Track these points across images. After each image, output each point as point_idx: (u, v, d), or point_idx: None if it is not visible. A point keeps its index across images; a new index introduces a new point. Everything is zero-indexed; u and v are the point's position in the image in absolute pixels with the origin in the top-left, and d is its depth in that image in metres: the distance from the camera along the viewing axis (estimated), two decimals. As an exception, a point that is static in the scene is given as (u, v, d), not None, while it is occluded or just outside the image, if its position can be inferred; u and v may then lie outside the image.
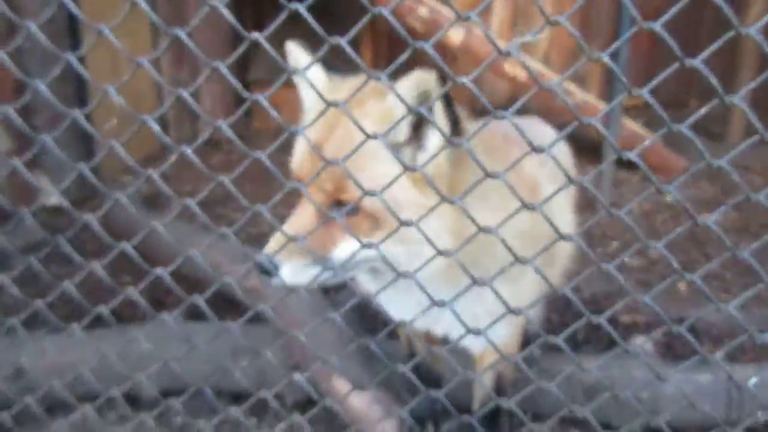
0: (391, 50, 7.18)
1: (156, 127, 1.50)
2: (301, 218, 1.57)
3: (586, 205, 4.78)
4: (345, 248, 1.56)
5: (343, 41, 1.25)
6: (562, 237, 1.30)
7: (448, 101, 1.44)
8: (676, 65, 1.22)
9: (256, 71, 6.54)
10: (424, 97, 1.44)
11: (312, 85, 1.41)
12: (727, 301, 1.46)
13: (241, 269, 2.55)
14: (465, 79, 1.25)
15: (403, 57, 1.27)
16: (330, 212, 1.56)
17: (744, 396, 2.20)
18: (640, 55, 7.22)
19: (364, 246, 1.45)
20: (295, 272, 1.54)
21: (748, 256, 1.34)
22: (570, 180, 1.31)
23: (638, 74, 7.41)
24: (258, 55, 6.93)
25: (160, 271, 1.69)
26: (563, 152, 2.56)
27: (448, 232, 1.51)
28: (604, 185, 4.67)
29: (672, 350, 2.85)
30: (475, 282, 1.39)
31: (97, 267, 1.80)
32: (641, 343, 2.62)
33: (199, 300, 1.66)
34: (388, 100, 1.50)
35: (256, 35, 1.36)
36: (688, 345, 2.83)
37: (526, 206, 1.30)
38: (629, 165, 5.49)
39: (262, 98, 1.40)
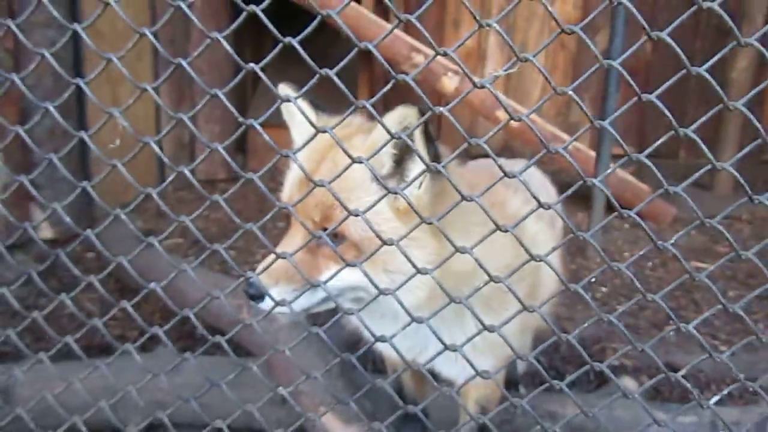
0: (386, 94, 7.31)
1: (156, 149, 1.54)
2: (289, 246, 1.61)
3: (576, 250, 4.82)
4: (329, 276, 1.58)
5: (331, 73, 1.30)
6: (533, 258, 1.33)
7: (428, 136, 1.48)
8: (670, 133, 1.27)
9: (255, 114, 6.65)
10: (406, 131, 1.48)
11: (302, 112, 1.48)
12: (716, 347, 1.48)
13: (233, 303, 2.56)
14: (442, 109, 1.29)
15: (386, 88, 1.32)
16: (317, 240, 1.59)
17: (729, 439, 2.20)
18: (632, 111, 7.37)
19: (348, 264, 1.47)
20: (281, 298, 1.57)
21: (739, 310, 1.37)
22: (571, 229, 1.34)
23: (628, 126, 7.57)
24: (256, 98, 7.05)
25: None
26: (551, 195, 2.62)
27: (430, 264, 1.53)
28: (596, 232, 4.71)
29: (660, 394, 2.85)
30: (453, 301, 1.41)
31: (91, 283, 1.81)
32: (627, 384, 2.62)
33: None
34: (372, 136, 1.55)
35: (252, 66, 1.41)
36: (675, 389, 2.83)
37: (499, 228, 1.32)
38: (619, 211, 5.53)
39: (256, 124, 1.44)
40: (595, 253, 4.74)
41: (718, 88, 1.17)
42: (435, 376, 1.96)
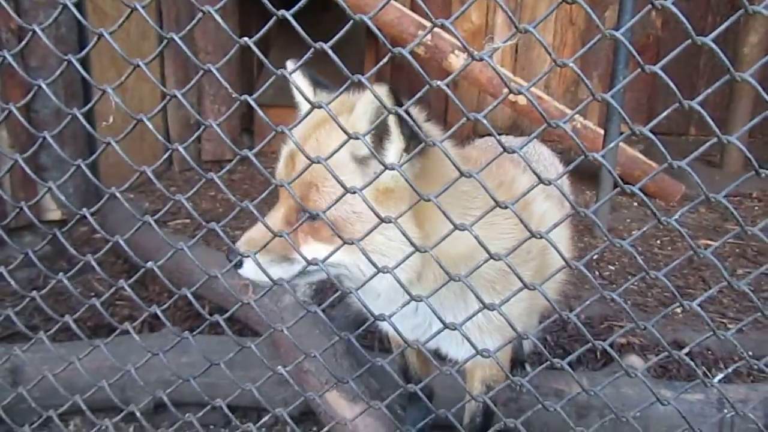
0: (393, 74, 7.25)
1: (149, 125, 1.53)
2: (271, 220, 1.66)
3: (584, 229, 4.79)
4: (306, 251, 1.60)
5: (326, 46, 1.28)
6: (533, 234, 1.31)
7: (401, 117, 1.46)
8: (674, 105, 1.24)
9: (261, 95, 6.60)
10: (380, 111, 1.46)
11: (296, 86, 1.49)
12: (724, 325, 1.46)
13: (238, 282, 2.56)
14: (440, 83, 1.27)
15: (382, 63, 1.30)
16: (297, 217, 1.65)
17: (735, 417, 2.19)
18: (641, 82, 7.29)
19: (346, 242, 1.47)
20: (256, 267, 1.59)
21: (745, 287, 1.35)
22: (571, 205, 1.32)
23: (638, 103, 7.50)
24: (262, 79, 7.01)
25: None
26: (558, 168, 2.59)
27: (408, 248, 1.50)
28: (602, 210, 4.68)
29: (667, 372, 2.84)
30: (453, 278, 1.40)
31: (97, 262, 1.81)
32: (633, 362, 2.62)
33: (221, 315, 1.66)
34: (352, 116, 1.54)
35: (245, 40, 1.40)
36: (683, 367, 2.82)
37: (498, 204, 1.30)
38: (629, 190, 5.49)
39: (251, 99, 1.43)
40: (602, 232, 4.72)
41: (724, 58, 1.14)
42: (442, 356, 1.96)
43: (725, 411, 2.22)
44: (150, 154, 5.32)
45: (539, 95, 5.70)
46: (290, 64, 1.73)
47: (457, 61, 5.49)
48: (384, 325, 1.96)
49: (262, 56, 1.43)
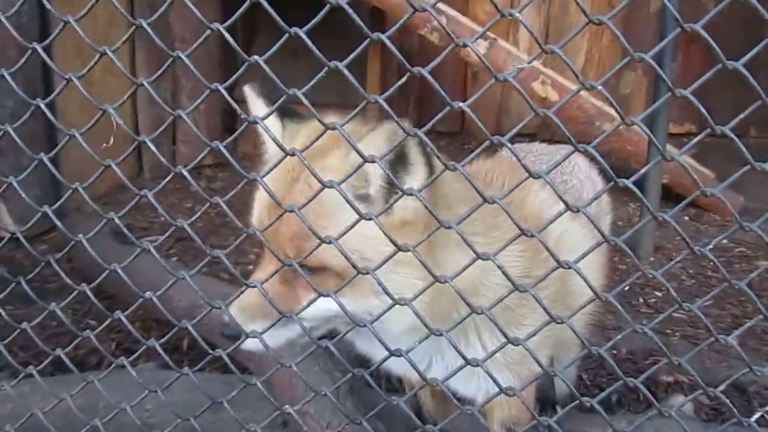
0: (402, 65, 7.35)
1: (116, 117, 1.62)
2: (264, 277, 1.70)
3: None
4: (317, 307, 1.68)
5: (341, 65, 1.36)
6: (560, 264, 1.39)
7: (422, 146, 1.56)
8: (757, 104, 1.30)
9: (242, 90, 6.71)
10: (400, 149, 1.56)
11: (272, 137, 1.57)
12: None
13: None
14: (422, 70, 1.35)
15: (400, 82, 1.38)
16: (294, 275, 1.70)
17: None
18: (691, 74, 7.36)
19: (322, 294, 1.57)
20: (258, 339, 1.70)
21: None
22: (601, 233, 1.40)
23: (689, 102, 7.57)
24: (247, 74, 7.11)
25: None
26: (597, 187, 2.66)
27: (421, 280, 1.60)
28: (647, 227, 4.73)
29: (721, 414, 2.92)
30: (475, 311, 1.48)
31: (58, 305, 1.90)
32: (680, 404, 2.69)
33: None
34: (352, 154, 1.59)
35: (216, 25, 1.49)
36: (739, 408, 2.89)
37: (523, 233, 1.38)
38: (677, 201, 5.57)
39: (221, 88, 1.51)
40: (648, 252, 4.79)
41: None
42: (453, 396, 2.04)
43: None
44: (118, 157, 5.43)
45: (572, 89, 5.78)
46: (247, 90, 1.82)
47: (476, 49, 5.60)
48: (392, 365, 2.05)
49: (232, 41, 1.51)
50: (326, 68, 1.38)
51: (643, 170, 1.42)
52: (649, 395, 1.62)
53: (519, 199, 2.01)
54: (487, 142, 1.40)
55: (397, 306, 1.56)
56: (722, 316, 3.91)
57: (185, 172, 1.61)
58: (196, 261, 4.40)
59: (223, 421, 2.50)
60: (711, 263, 4.67)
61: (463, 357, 1.53)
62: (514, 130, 1.39)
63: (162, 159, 1.75)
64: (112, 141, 4.08)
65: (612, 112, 5.79)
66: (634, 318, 3.81)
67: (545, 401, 2.83)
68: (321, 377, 2.39)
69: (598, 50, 7.65)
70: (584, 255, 1.40)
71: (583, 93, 5.86)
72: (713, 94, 7.63)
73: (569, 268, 1.37)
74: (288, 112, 1.89)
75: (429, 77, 1.35)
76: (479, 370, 1.54)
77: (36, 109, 1.80)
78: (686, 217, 5.65)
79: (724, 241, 4.96)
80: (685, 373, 3.17)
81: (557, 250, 1.50)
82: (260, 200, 1.80)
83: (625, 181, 1.33)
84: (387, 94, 1.36)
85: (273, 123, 1.85)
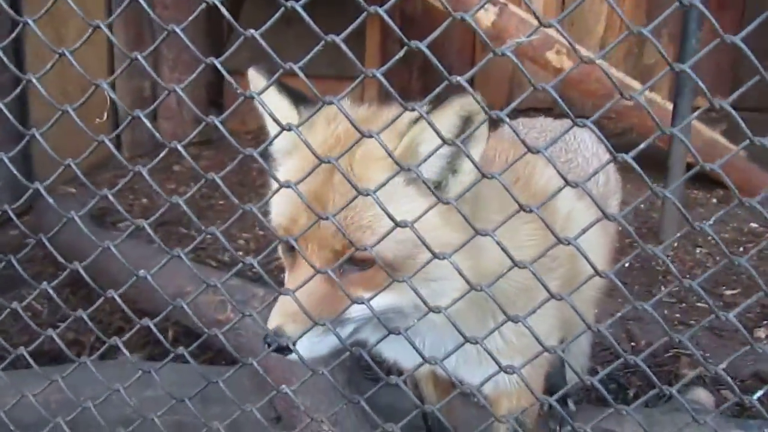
0: (404, 28, 7.35)
1: (110, 92, 1.67)
2: (305, 281, 1.70)
3: (648, 233, 4.93)
4: (359, 306, 1.70)
5: (338, 39, 1.41)
6: (560, 240, 1.44)
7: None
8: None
9: (231, 61, 6.71)
10: (467, 124, 1.63)
11: (305, 142, 1.59)
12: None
13: (213, 299, 2.71)
14: (419, 44, 1.39)
15: (399, 55, 1.42)
16: (339, 272, 1.73)
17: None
18: (722, 50, 7.36)
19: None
20: (312, 344, 1.73)
21: None
22: (599, 209, 1.46)
23: (719, 71, 7.57)
24: (232, 42, 7.15)
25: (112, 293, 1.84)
26: (603, 161, 2.70)
27: (466, 268, 1.64)
28: (670, 209, 4.78)
29: (747, 410, 2.99)
30: (508, 317, 1.55)
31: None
32: (701, 397, 2.77)
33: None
34: (411, 133, 1.66)
35: (252, 32, 1.52)
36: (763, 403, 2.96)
37: (523, 208, 1.44)
38: (704, 182, 5.62)
39: (217, 62, 1.56)
40: (671, 237, 4.85)
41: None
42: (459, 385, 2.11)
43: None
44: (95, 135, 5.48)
45: (591, 60, 5.80)
46: (252, 74, 1.86)
47: (486, 16, 5.64)
48: (401, 358, 2.18)
49: (226, 12, 1.55)
50: (323, 42, 1.43)
51: (642, 145, 1.44)
52: (657, 382, 1.66)
53: (526, 177, 2.07)
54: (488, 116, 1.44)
55: (443, 293, 1.68)
56: (750, 308, 3.98)
57: (181, 148, 1.67)
58: (181, 246, 4.47)
59: (212, 416, 2.57)
60: (739, 249, 4.76)
61: (463, 336, 1.59)
62: (512, 105, 1.44)
63: (157, 135, 1.80)
64: (105, 116, 4.12)
65: (635, 84, 5.84)
66: (653, 307, 3.88)
67: (555, 394, 2.90)
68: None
69: (619, 16, 7.67)
70: (583, 231, 1.45)
71: (602, 64, 5.89)
72: (746, 66, 7.69)
73: (569, 244, 1.43)
74: (300, 97, 1.90)
75: (427, 51, 1.39)
76: (489, 362, 1.60)
77: (27, 82, 1.83)
78: (714, 200, 5.70)
79: (754, 225, 5.03)
80: (708, 368, 3.24)
81: (565, 229, 1.55)
82: (288, 196, 1.77)
83: (625, 155, 1.38)
84: (385, 68, 1.41)
85: (289, 112, 1.87)
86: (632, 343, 3.51)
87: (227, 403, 2.59)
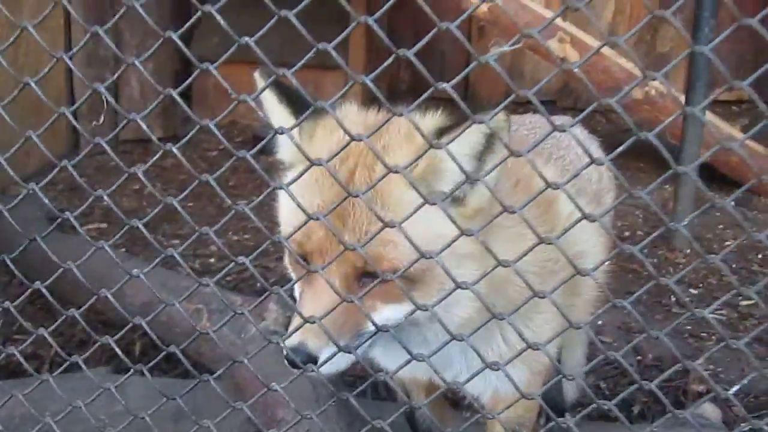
0: (392, 12, 7.43)
1: (107, 95, 1.80)
2: (325, 296, 1.88)
3: (658, 238, 5.08)
4: (384, 317, 1.94)
5: (329, 47, 1.56)
6: (541, 240, 1.61)
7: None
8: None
9: (201, 49, 6.77)
10: (491, 140, 1.85)
11: (293, 140, 1.77)
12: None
13: (188, 307, 2.84)
14: (445, 86, 1.53)
15: (386, 63, 1.58)
16: (358, 286, 1.94)
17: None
18: (743, 39, 7.51)
19: (420, 308, 1.79)
20: (334, 360, 1.90)
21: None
22: (578, 209, 1.62)
23: (741, 59, 7.69)
24: (203, 28, 7.25)
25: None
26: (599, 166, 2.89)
27: (478, 275, 1.85)
28: (683, 213, 4.92)
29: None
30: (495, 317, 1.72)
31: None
32: (707, 411, 2.93)
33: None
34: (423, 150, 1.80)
35: (209, 7, 1.67)
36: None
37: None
38: (721, 183, 5.77)
39: (177, 37, 1.70)
40: (685, 243, 5.00)
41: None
42: (457, 399, 2.28)
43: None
44: (49, 134, 5.60)
45: (602, 51, 5.88)
46: (260, 80, 2.00)
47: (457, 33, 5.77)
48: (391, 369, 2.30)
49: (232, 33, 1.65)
50: (314, 49, 1.56)
51: (625, 143, 1.56)
52: (663, 397, 1.81)
53: (526, 179, 2.23)
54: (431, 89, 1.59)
55: (458, 302, 1.89)
56: (765, 317, 4.13)
57: (176, 151, 1.80)
58: (146, 252, 4.61)
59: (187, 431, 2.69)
60: (758, 256, 4.93)
61: (480, 357, 1.76)
62: (501, 107, 1.58)
63: (152, 135, 1.90)
64: (102, 119, 4.26)
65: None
66: (664, 319, 4.05)
67: (553, 409, 3.06)
68: (298, 379, 2.60)
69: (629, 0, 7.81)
70: (564, 232, 1.64)
71: (609, 53, 6.00)
72: None
73: (550, 243, 1.62)
74: (297, 103, 2.03)
75: (416, 60, 1.53)
76: (494, 368, 1.78)
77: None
78: (732, 203, 5.83)
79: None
80: (719, 381, 3.42)
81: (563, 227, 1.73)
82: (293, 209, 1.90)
83: (602, 158, 1.51)
84: (374, 74, 1.55)
85: (288, 121, 1.99)
86: (638, 357, 3.67)
87: (203, 415, 2.72)
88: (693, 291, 4.49)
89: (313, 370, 1.90)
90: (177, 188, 5.71)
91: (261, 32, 1.63)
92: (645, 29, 7.91)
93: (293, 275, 2.11)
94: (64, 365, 2.42)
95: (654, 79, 1.46)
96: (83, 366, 2.39)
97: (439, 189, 1.94)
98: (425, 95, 1.58)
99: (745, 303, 4.32)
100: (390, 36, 1.63)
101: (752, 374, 1.68)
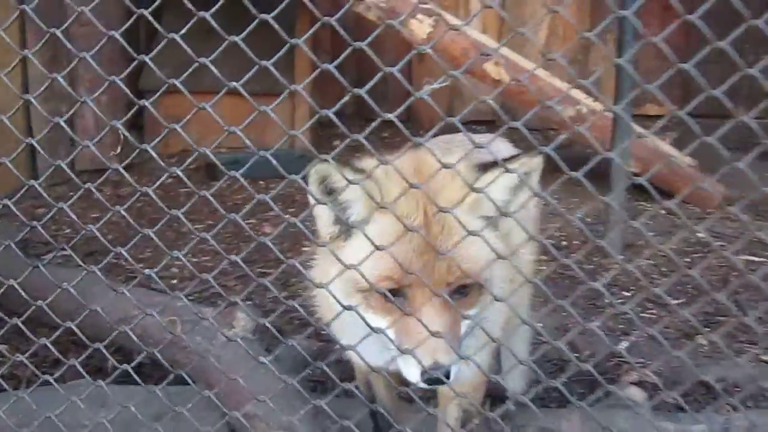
0: (334, 37, 7.65)
1: (123, 131, 2.04)
2: (439, 316, 2.25)
3: (594, 248, 5.40)
4: (468, 325, 2.38)
5: (269, 64, 1.83)
6: (469, 232, 1.97)
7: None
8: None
9: (151, 79, 6.93)
10: (527, 177, 2.27)
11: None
12: (757, 356, 1.95)
13: (162, 319, 3.09)
14: (391, 116, 1.83)
15: (342, 57, 1.85)
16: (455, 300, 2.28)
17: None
18: (674, 46, 7.89)
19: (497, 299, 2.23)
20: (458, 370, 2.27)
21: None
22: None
23: (671, 79, 8.08)
24: (154, 60, 7.40)
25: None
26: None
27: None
28: (616, 221, 5.25)
29: (682, 409, 3.49)
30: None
31: None
32: (633, 394, 3.26)
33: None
34: (480, 183, 2.18)
35: (173, 35, 2.00)
36: (700, 401, 3.48)
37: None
38: (653, 193, 6.11)
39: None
40: (619, 248, 5.34)
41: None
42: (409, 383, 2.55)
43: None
44: (5, 167, 5.80)
45: (529, 71, 6.18)
46: (327, 168, 2.27)
47: (420, 27, 6.11)
48: (350, 355, 2.62)
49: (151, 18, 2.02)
50: (256, 66, 1.81)
51: (550, 146, 1.87)
52: (601, 378, 2.13)
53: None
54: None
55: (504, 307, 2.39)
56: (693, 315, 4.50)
57: (181, 172, 2.06)
58: (112, 275, 4.84)
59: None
60: (686, 259, 5.29)
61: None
62: (431, 133, 1.87)
63: (133, 145, 2.15)
64: (119, 149, 4.38)
65: (577, 95, 6.31)
66: (598, 318, 4.38)
67: (495, 397, 3.36)
68: (268, 379, 2.86)
69: (562, 22, 8.18)
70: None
71: (543, 74, 6.35)
72: (699, 69, 8.27)
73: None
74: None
75: (368, 98, 1.82)
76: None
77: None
78: (662, 211, 6.16)
79: (700, 234, 5.56)
80: (650, 373, 3.76)
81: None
82: (400, 251, 2.23)
83: (509, 166, 1.82)
84: (335, 108, 1.84)
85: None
86: (575, 354, 3.98)
87: (181, 421, 2.95)
88: (627, 294, 4.82)
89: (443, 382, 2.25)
90: (134, 215, 5.90)
91: (212, 56, 1.89)
92: (577, 48, 8.27)
93: (374, 317, 2.35)
94: (37, 383, 2.67)
95: (585, 90, 1.76)
96: (54, 383, 2.62)
97: (482, 213, 2.37)
98: (374, 125, 1.84)
99: (675, 302, 4.70)
100: (333, 60, 1.94)
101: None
